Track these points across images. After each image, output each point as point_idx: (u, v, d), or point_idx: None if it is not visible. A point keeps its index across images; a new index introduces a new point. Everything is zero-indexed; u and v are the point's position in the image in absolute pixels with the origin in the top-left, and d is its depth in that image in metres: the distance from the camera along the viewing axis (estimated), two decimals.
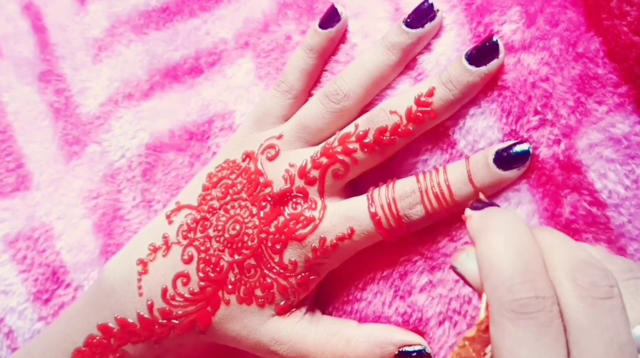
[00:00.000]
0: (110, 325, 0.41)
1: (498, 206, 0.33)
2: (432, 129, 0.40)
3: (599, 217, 0.37)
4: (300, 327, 0.41)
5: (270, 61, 0.45)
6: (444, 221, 0.40)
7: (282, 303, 0.41)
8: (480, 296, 0.30)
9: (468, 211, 0.33)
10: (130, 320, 0.41)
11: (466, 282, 0.31)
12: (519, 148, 0.38)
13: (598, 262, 0.30)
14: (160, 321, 0.41)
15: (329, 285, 0.43)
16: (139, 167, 0.46)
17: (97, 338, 0.41)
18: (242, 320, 0.41)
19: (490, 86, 0.39)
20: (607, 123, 0.37)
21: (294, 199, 0.40)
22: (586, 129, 0.37)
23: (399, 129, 0.39)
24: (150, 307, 0.41)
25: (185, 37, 0.47)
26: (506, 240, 0.30)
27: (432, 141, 0.40)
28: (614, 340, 0.28)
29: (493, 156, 0.38)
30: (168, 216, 0.43)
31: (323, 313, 0.43)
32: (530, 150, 0.38)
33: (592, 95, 0.37)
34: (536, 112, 0.38)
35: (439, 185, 0.39)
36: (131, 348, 0.41)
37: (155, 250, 0.42)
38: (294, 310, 0.42)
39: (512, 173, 0.38)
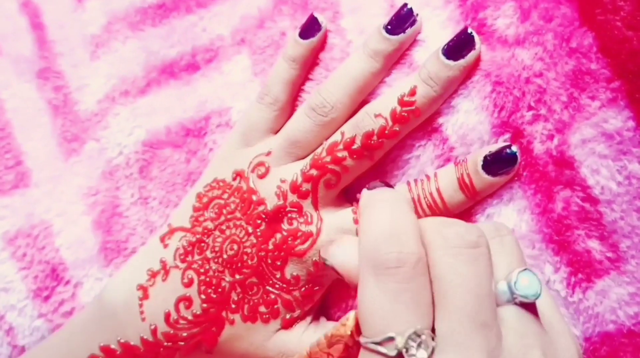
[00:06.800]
0: (113, 347, 0.41)
1: (391, 187, 0.35)
2: (424, 125, 0.40)
3: (591, 213, 0.37)
4: (307, 336, 0.41)
5: (265, 57, 0.45)
6: None
7: (287, 316, 0.41)
8: (350, 284, 0.32)
9: (363, 192, 0.35)
10: (133, 343, 0.41)
11: (337, 273, 0.32)
12: (505, 152, 0.38)
13: (465, 223, 0.31)
14: (165, 344, 0.41)
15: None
16: (136, 164, 0.47)
17: None
18: (248, 338, 0.41)
19: (484, 81, 0.39)
20: (600, 118, 0.37)
21: (289, 215, 0.40)
22: (579, 125, 0.37)
23: (386, 131, 0.39)
24: (154, 331, 0.41)
25: (182, 33, 0.47)
26: (382, 210, 0.32)
27: (425, 137, 0.40)
28: (472, 290, 0.29)
29: (482, 163, 0.38)
30: (162, 239, 0.43)
31: (325, 314, 0.44)
32: (518, 154, 0.38)
33: (585, 90, 0.37)
34: (530, 108, 0.38)
35: (431, 194, 0.39)
36: None
37: (154, 274, 0.42)
38: (298, 321, 0.42)
39: (502, 178, 0.38)
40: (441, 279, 0.29)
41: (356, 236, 0.33)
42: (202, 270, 0.41)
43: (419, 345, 0.28)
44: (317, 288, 0.41)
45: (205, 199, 0.42)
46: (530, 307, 0.31)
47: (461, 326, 0.28)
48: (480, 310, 0.29)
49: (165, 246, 0.42)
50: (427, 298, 0.29)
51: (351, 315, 0.30)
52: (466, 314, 0.28)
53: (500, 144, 0.38)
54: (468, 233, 0.30)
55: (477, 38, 0.39)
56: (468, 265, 0.29)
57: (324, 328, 0.42)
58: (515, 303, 0.30)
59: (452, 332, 0.28)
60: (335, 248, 0.32)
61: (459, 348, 0.28)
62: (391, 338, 0.28)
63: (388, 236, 0.30)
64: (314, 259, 0.40)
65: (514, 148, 0.38)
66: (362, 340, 0.29)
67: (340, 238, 0.33)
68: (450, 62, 0.38)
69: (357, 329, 0.30)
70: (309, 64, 0.43)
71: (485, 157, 0.38)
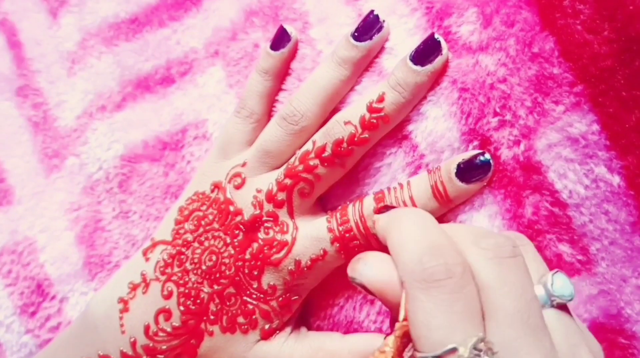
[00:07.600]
0: None
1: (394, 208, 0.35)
2: (394, 133, 0.40)
3: (560, 217, 0.37)
4: (287, 347, 0.41)
5: (240, 69, 0.45)
6: None
7: (266, 327, 0.41)
8: (382, 301, 0.31)
9: (375, 217, 0.35)
10: (113, 357, 0.41)
11: (367, 291, 0.31)
12: (479, 160, 0.38)
13: (495, 233, 0.31)
14: (144, 357, 0.41)
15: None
16: (115, 178, 0.47)
17: None
18: (228, 349, 0.41)
19: (451, 87, 0.39)
20: (565, 123, 0.37)
21: (265, 224, 0.40)
22: (544, 130, 0.37)
23: (355, 139, 0.39)
24: (134, 344, 0.41)
25: (156, 47, 0.48)
26: (413, 224, 0.31)
27: (396, 145, 0.40)
28: (522, 296, 0.29)
29: (455, 170, 0.38)
30: (144, 253, 0.43)
31: (305, 323, 0.44)
32: (491, 161, 0.38)
33: (549, 95, 0.37)
34: (495, 114, 0.38)
35: (404, 203, 0.38)
36: None
37: (134, 287, 0.42)
38: (278, 331, 0.42)
39: (476, 185, 0.38)
40: (488, 288, 0.29)
41: (380, 253, 0.32)
42: (181, 282, 0.41)
43: (481, 355, 0.27)
44: (295, 297, 0.41)
45: (186, 212, 0.42)
46: (565, 308, 0.31)
47: (516, 332, 0.28)
48: (530, 314, 0.28)
49: (147, 259, 0.42)
50: (479, 307, 0.29)
51: (390, 340, 0.29)
52: (519, 320, 0.28)
53: (473, 151, 0.38)
54: (505, 242, 0.30)
55: (444, 43, 0.39)
56: (512, 272, 0.29)
57: (305, 337, 0.42)
58: (553, 306, 0.30)
59: (508, 339, 0.28)
60: (363, 265, 0.31)
61: (519, 354, 0.27)
62: (452, 350, 0.27)
63: (429, 249, 0.29)
64: (289, 268, 0.40)
65: (487, 156, 0.38)
66: (419, 355, 0.28)
67: (365, 254, 0.32)
68: (418, 68, 0.38)
69: (399, 354, 0.29)
70: (282, 75, 0.44)
71: (458, 164, 0.38)
